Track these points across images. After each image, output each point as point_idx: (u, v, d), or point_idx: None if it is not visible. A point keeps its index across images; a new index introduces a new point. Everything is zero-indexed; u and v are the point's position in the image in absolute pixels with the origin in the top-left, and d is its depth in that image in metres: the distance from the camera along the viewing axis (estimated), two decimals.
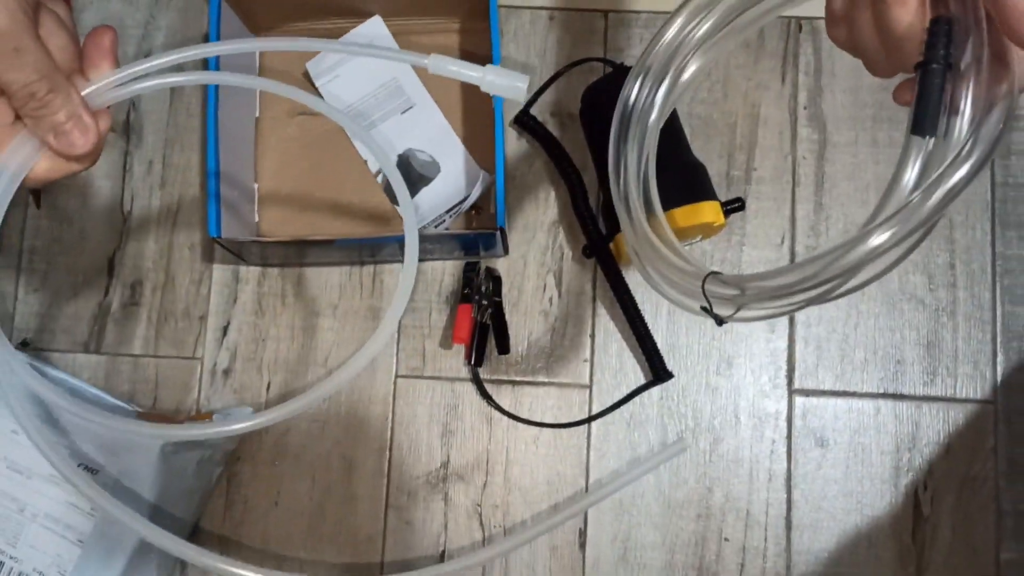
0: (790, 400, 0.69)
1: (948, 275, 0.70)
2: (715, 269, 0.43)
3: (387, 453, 0.69)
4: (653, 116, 0.46)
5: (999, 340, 0.69)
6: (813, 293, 0.38)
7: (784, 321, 0.69)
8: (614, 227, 0.67)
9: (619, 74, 0.69)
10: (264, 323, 0.71)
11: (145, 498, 0.60)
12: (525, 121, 0.72)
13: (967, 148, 0.35)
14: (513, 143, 0.72)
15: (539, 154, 0.72)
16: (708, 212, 0.63)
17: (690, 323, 0.70)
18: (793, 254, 0.70)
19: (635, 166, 0.46)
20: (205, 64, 0.65)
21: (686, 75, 0.46)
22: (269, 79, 0.49)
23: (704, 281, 0.43)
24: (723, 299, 0.42)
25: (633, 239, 0.48)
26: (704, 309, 0.43)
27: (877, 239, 0.36)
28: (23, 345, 0.70)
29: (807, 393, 0.69)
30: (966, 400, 0.68)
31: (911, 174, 0.36)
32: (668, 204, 0.62)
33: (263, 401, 0.69)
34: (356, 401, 0.69)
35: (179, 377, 0.70)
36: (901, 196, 0.36)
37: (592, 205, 0.70)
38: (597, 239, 0.69)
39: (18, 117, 0.41)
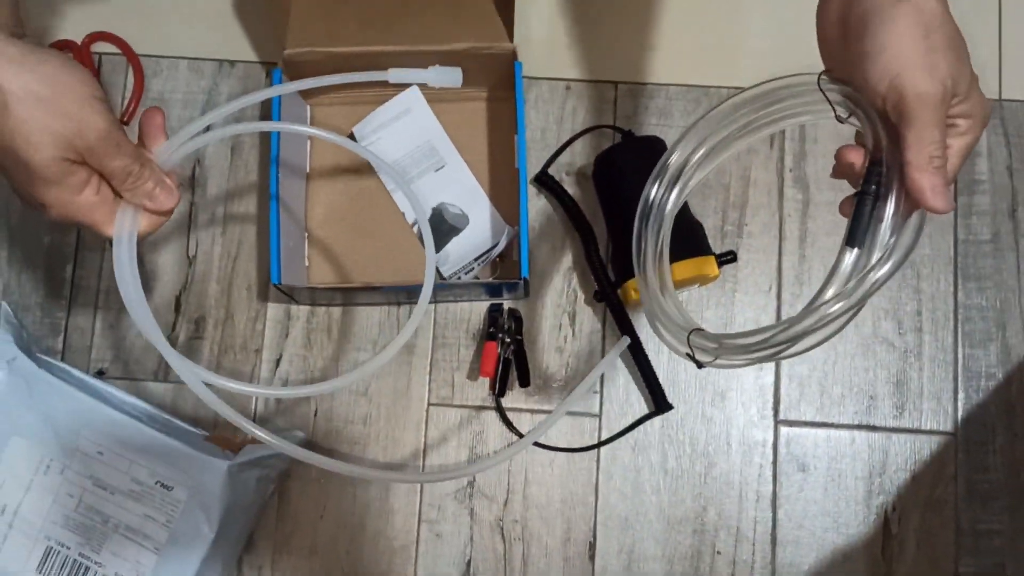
0: (776, 430, 0.78)
1: (915, 321, 0.79)
2: (699, 326, 0.54)
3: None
4: (668, 207, 0.57)
5: (960, 379, 0.78)
6: (772, 351, 0.49)
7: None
8: (622, 275, 0.76)
9: (627, 141, 0.79)
10: (312, 356, 0.80)
11: (214, 511, 0.70)
12: (544, 180, 0.81)
13: (889, 252, 0.46)
14: (533, 199, 0.82)
15: (556, 209, 0.82)
16: (705, 265, 0.73)
17: (688, 361, 0.79)
18: (779, 300, 0.80)
19: (653, 248, 0.56)
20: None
21: (693, 181, 0.56)
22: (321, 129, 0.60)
23: (689, 335, 0.53)
24: (704, 350, 0.53)
25: (646, 296, 0.58)
26: (688, 355, 0.54)
27: (818, 315, 0.46)
28: (99, 374, 0.79)
29: (791, 424, 0.78)
30: (930, 432, 0.78)
31: (844, 270, 0.47)
32: (671, 258, 0.72)
33: (311, 425, 0.79)
34: (394, 426, 0.79)
35: (237, 404, 0.78)
36: (838, 285, 0.47)
37: (603, 255, 0.79)
38: (607, 285, 0.78)
39: (116, 193, 0.52)
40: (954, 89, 0.45)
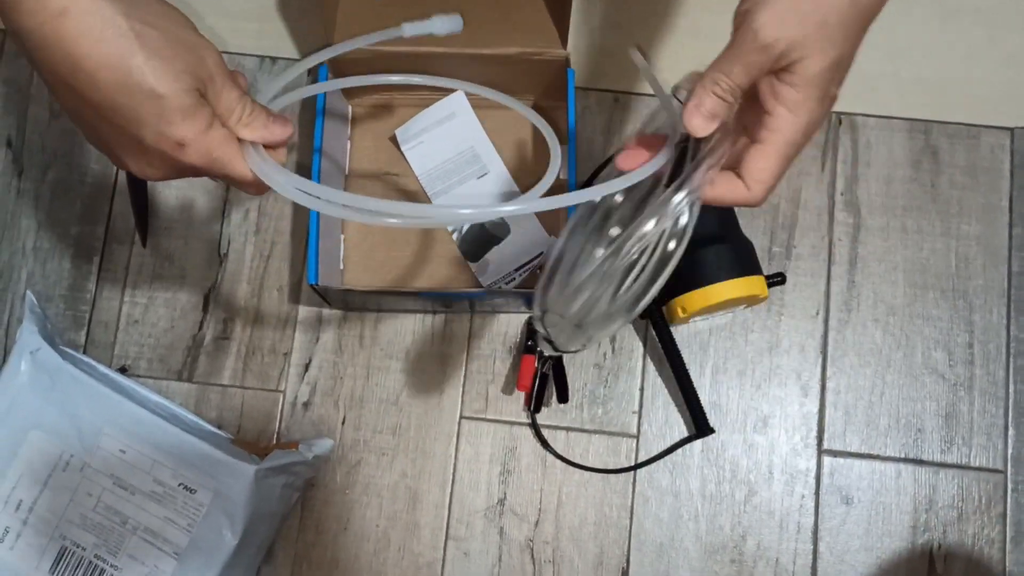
0: (819, 459, 0.75)
1: (967, 353, 0.77)
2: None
3: (449, 487, 0.75)
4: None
5: (1010, 415, 0.76)
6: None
7: (816, 387, 0.76)
8: (667, 293, 0.74)
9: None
10: (342, 362, 0.77)
11: (238, 517, 0.67)
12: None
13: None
14: None
15: None
16: (755, 286, 0.71)
17: (731, 384, 0.76)
18: (827, 326, 0.77)
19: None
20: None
21: None
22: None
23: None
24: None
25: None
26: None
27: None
28: (122, 371, 0.77)
29: (835, 454, 0.75)
30: (979, 468, 0.75)
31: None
32: (721, 276, 0.70)
33: (338, 434, 0.76)
34: (424, 437, 0.76)
35: (263, 407, 0.77)
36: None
37: None
38: (652, 302, 0.76)
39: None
40: (788, 57, 0.43)
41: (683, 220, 0.47)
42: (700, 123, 0.46)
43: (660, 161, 0.48)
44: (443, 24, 0.65)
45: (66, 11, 0.41)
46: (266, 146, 0.49)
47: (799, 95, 0.45)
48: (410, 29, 0.64)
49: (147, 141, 0.45)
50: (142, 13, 0.43)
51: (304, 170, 0.80)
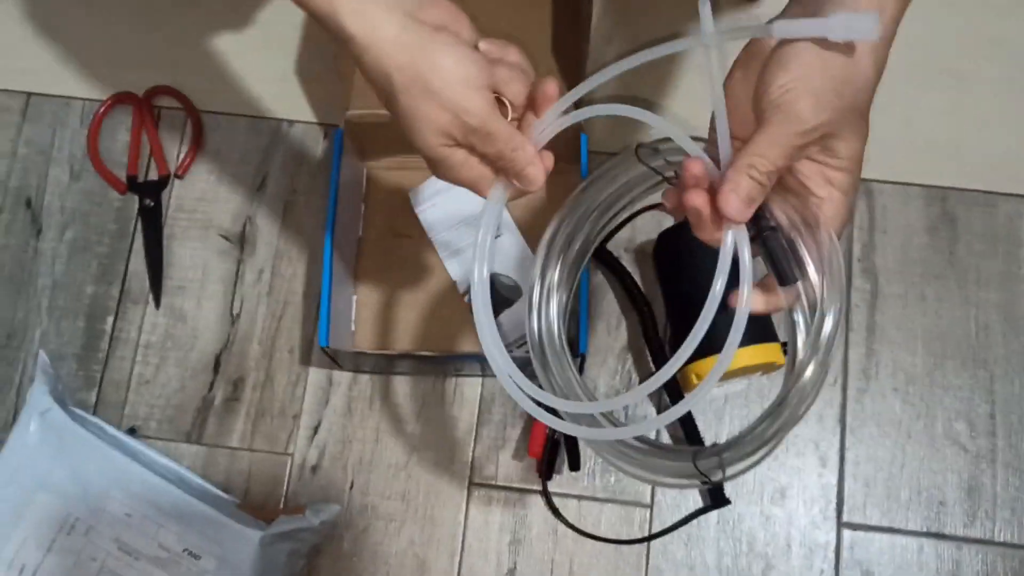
0: (839, 532, 0.73)
1: (988, 424, 0.75)
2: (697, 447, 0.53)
3: (458, 556, 0.74)
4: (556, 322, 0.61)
5: None
6: (773, 443, 0.50)
7: (835, 458, 0.75)
8: None
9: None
10: (352, 425, 0.77)
11: None
12: (602, 255, 0.79)
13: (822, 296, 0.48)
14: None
15: (613, 286, 0.79)
16: (772, 353, 0.70)
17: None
18: (845, 395, 0.76)
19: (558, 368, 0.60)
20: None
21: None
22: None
23: (694, 459, 0.51)
24: (712, 467, 0.51)
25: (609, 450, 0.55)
26: (703, 482, 0.52)
27: (798, 391, 0.48)
28: (131, 432, 0.76)
29: (855, 527, 0.73)
30: (1004, 544, 0.73)
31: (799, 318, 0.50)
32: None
33: (346, 499, 0.75)
34: (432, 504, 0.75)
35: (271, 471, 0.76)
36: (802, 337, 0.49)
37: (660, 335, 0.76)
38: None
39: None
40: (828, 139, 0.44)
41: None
42: (737, 207, 0.44)
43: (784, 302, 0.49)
44: (847, 26, 0.41)
45: (365, 52, 0.47)
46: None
47: (849, 177, 0.46)
48: (783, 30, 0.43)
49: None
50: (412, 68, 0.47)
51: (314, 233, 0.80)
